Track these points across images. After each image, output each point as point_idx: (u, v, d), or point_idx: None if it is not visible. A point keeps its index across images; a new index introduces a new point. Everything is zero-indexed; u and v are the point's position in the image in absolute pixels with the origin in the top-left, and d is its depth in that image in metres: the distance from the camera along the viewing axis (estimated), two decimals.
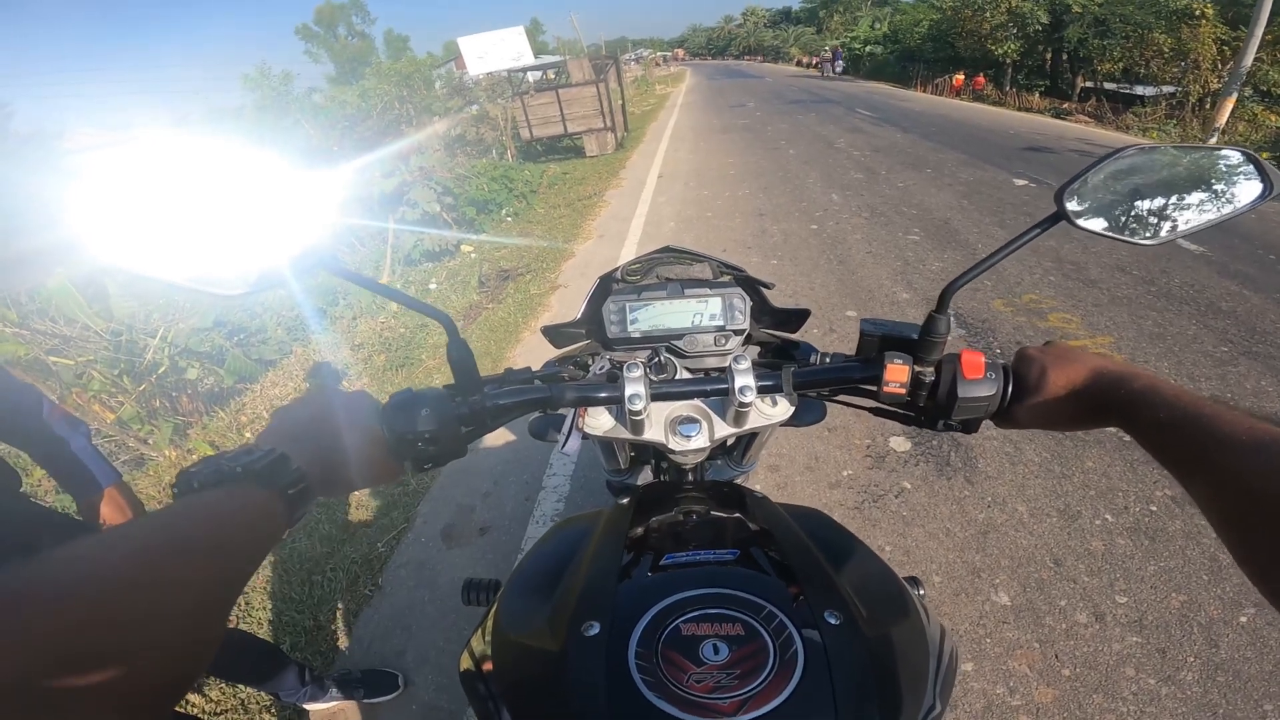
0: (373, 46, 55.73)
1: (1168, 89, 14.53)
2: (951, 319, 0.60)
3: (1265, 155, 4.69)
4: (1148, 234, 0.62)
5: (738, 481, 0.88)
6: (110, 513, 1.10)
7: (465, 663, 0.59)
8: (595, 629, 0.48)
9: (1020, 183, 6.27)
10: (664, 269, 0.87)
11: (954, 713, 1.49)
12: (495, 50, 12.67)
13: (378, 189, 5.92)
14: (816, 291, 3.79)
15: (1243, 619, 1.67)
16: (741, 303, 0.80)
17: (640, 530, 0.66)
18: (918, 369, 0.61)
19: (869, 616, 0.52)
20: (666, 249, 0.87)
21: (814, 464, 2.31)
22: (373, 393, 2.42)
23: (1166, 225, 0.62)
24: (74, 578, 0.27)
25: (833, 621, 0.49)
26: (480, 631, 0.61)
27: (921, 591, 0.74)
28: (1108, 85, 17.48)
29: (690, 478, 0.79)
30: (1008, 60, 18.94)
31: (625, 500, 0.73)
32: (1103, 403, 0.50)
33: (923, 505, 2.11)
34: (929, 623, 0.58)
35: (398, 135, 8.66)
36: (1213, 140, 10.00)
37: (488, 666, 0.55)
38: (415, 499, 2.39)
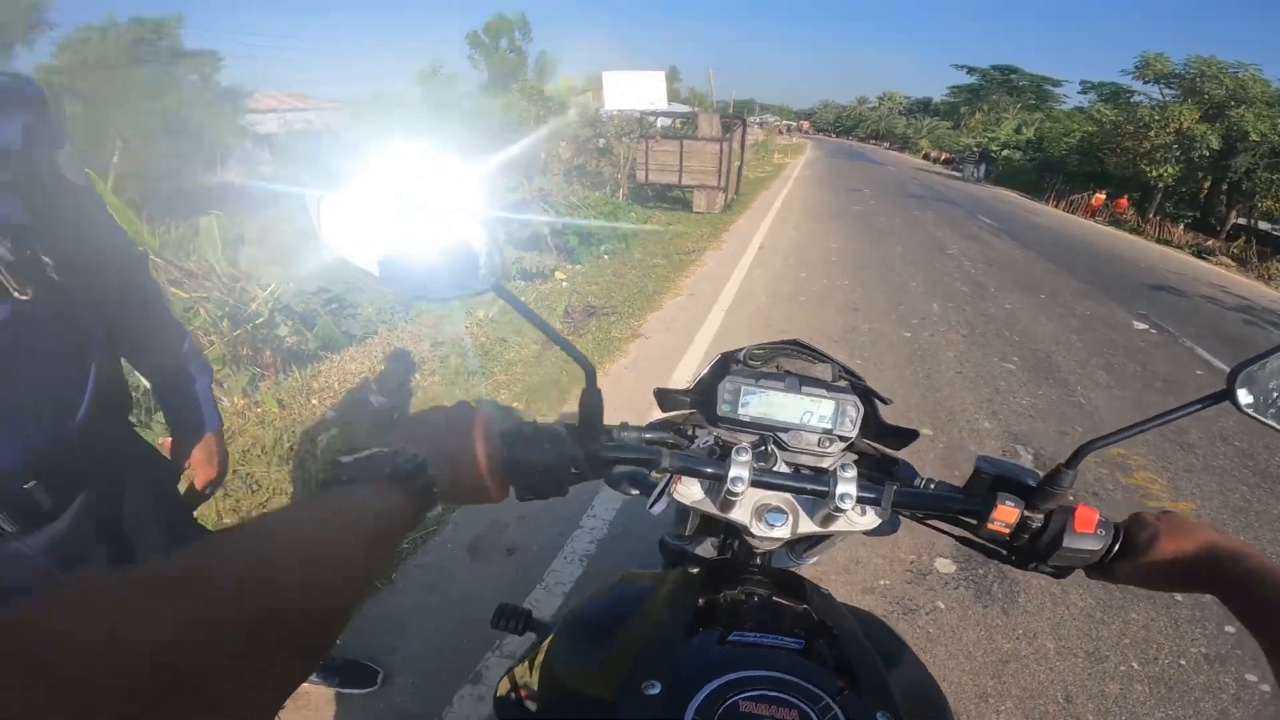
0: (525, 64, 59.58)
1: None
2: (1077, 474, 0.60)
3: None
4: None
5: (798, 572, 0.90)
6: (200, 456, 1.14)
7: (504, 689, 0.63)
8: (655, 689, 0.51)
9: (1140, 326, 5.89)
10: (786, 360, 0.88)
11: None
12: (634, 89, 13.19)
13: (501, 200, 6.29)
14: (897, 403, 3.66)
15: None
16: (854, 411, 0.80)
17: (704, 602, 0.68)
18: (1027, 514, 0.62)
19: None
20: (794, 342, 0.88)
21: (853, 567, 2.28)
22: (442, 393, 2.49)
23: None
24: (258, 549, 0.33)
25: None
26: (527, 664, 0.65)
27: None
28: (1263, 225, 16.22)
29: (757, 560, 0.81)
30: (1160, 185, 17.96)
31: (694, 570, 0.76)
32: (1207, 575, 0.53)
33: (951, 626, 2.08)
34: None
35: (529, 153, 9.16)
36: None
37: (529, 700, 0.59)
38: (450, 507, 2.42)
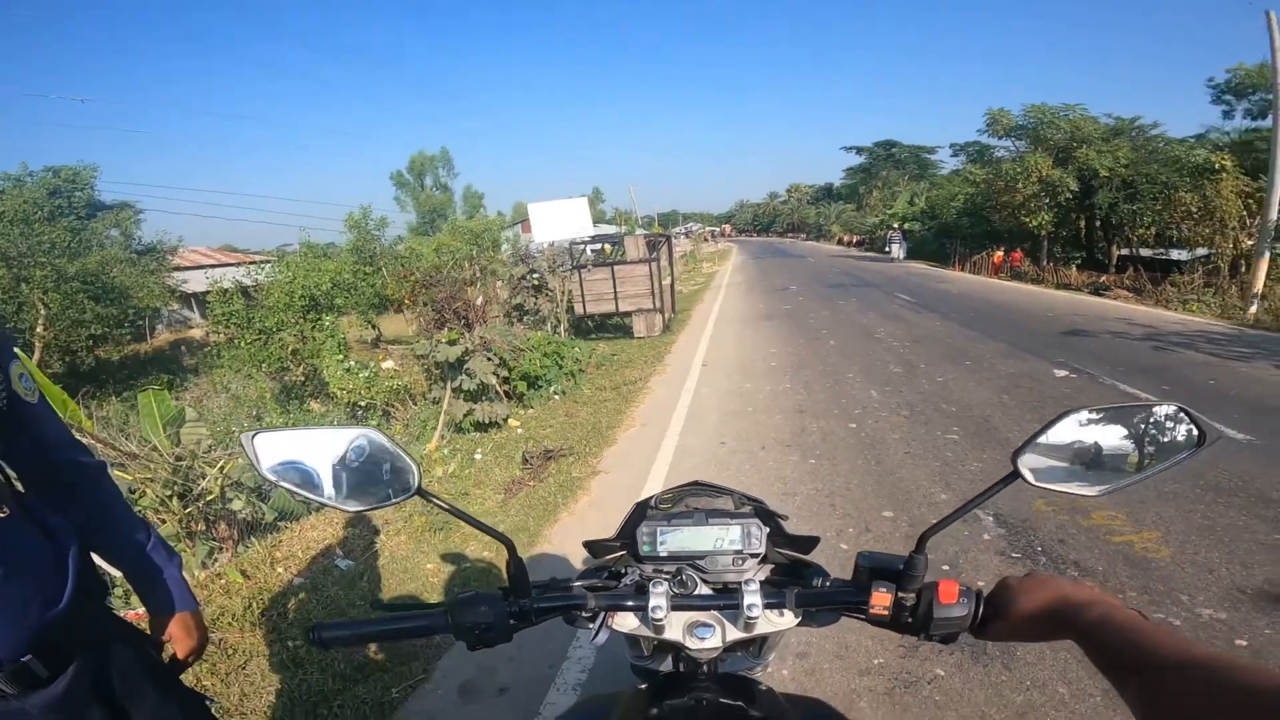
0: (452, 199, 61.93)
1: (1201, 252, 14.37)
2: (927, 558, 0.71)
3: None
4: (1096, 488, 0.71)
5: (755, 671, 0.96)
6: (178, 632, 1.22)
7: None
8: None
9: (1061, 374, 6.31)
10: (693, 499, 0.99)
11: None
12: (560, 218, 13.75)
13: (442, 354, 6.39)
14: (853, 493, 3.79)
15: None
16: (759, 531, 0.90)
17: (655, 711, 0.77)
18: (901, 595, 0.71)
19: None
20: (696, 483, 1.00)
21: (844, 652, 2.30)
22: (410, 552, 2.69)
23: (1113, 478, 0.70)
24: None
25: None
26: None
27: None
28: (1143, 252, 17.46)
29: (705, 669, 0.86)
30: (1043, 232, 19.00)
31: (644, 686, 0.87)
32: (1063, 625, 0.58)
33: (957, 690, 2.08)
34: None
35: (464, 301, 9.43)
36: (1252, 309, 9.87)
37: None
38: (439, 653, 2.44)
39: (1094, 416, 0.72)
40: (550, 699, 2.16)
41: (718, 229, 78.76)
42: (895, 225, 26.90)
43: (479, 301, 9.55)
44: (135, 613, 2.72)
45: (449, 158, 62.03)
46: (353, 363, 10.35)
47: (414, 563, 3.25)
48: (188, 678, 2.23)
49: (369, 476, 0.77)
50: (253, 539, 3.59)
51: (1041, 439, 0.71)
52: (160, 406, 4.35)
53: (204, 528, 3.68)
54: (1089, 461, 0.71)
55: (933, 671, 2.19)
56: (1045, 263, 18.65)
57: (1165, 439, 0.70)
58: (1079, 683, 2.08)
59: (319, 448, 0.76)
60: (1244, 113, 18.75)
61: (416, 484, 0.76)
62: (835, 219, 55.26)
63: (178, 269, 24.03)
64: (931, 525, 0.72)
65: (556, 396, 6.86)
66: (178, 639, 1.23)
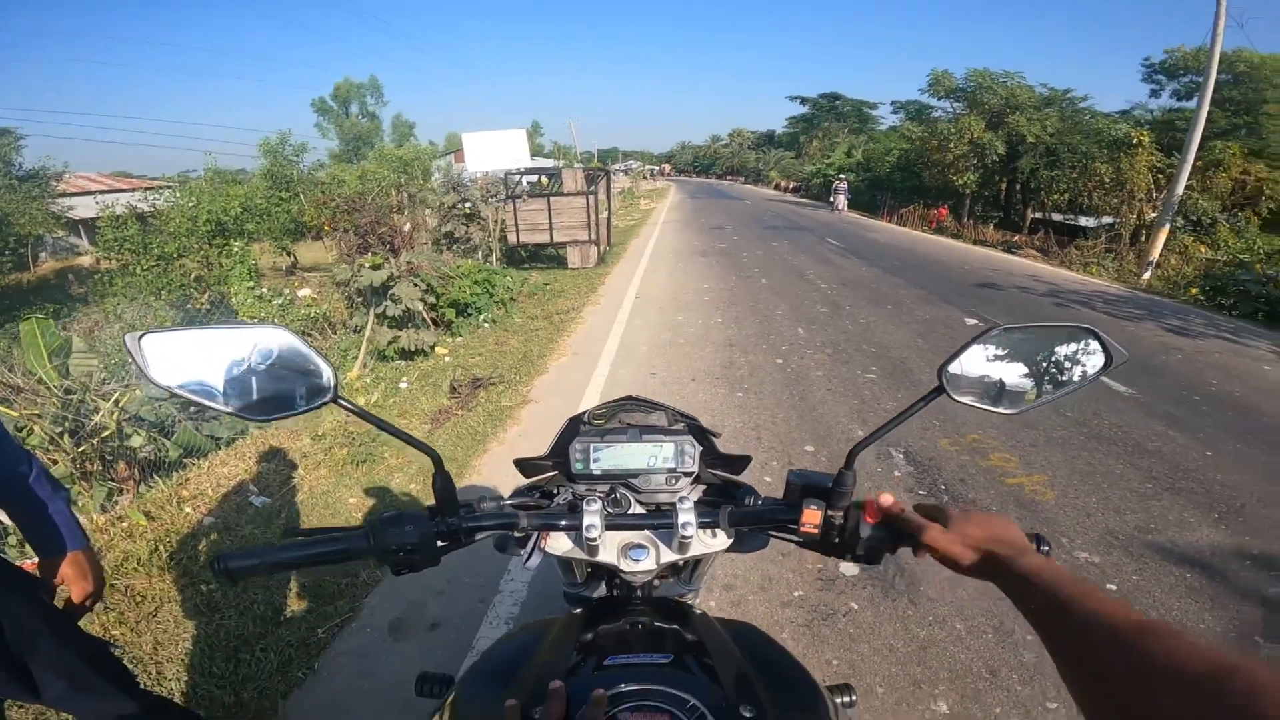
0: (379, 128, 57.97)
1: (1107, 220, 15.27)
2: (856, 474, 0.71)
3: (1194, 290, 5.23)
4: (1014, 405, 0.74)
5: (687, 597, 0.97)
6: (71, 573, 1.14)
7: None
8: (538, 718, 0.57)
9: (971, 322, 6.73)
10: (626, 415, 0.97)
11: None
12: (496, 149, 13.18)
13: (365, 279, 6.07)
14: (779, 426, 3.94)
15: None
16: (692, 449, 0.90)
17: (590, 636, 0.76)
18: (830, 513, 0.72)
19: (782, 713, 0.62)
20: (629, 398, 0.98)
21: (767, 584, 2.41)
22: (331, 486, 2.40)
23: (1029, 396, 0.74)
24: None
25: (747, 715, 0.58)
26: (438, 716, 0.70)
27: (850, 698, 0.87)
28: (1055, 216, 18.55)
29: (639, 594, 0.87)
30: (967, 191, 19.92)
31: (578, 610, 0.84)
32: (988, 569, 0.59)
33: (869, 624, 2.22)
34: (838, 718, 0.68)
35: (390, 226, 8.94)
36: (1146, 275, 10.69)
37: None
38: (365, 590, 2.38)
39: (1012, 335, 0.74)
40: (483, 633, 2.14)
41: (657, 168, 77.63)
42: (842, 175, 25.14)
43: (406, 228, 9.08)
44: (30, 562, 2.51)
45: (378, 86, 57.48)
46: (265, 290, 9.72)
47: (335, 496, 3.10)
48: (93, 627, 2.12)
49: (278, 382, 0.67)
50: (156, 478, 3.32)
51: (964, 355, 0.73)
52: (44, 336, 3.95)
53: (100, 468, 3.39)
54: (1007, 379, 0.74)
55: (847, 605, 2.32)
56: (966, 220, 19.58)
57: (1077, 360, 0.74)
58: (974, 619, 2.24)
59: (219, 350, 0.65)
60: (1171, 93, 19.80)
61: (333, 389, 0.67)
62: (774, 165, 55.51)
63: (64, 195, 21.57)
64: (860, 440, 0.72)
65: (486, 325, 6.70)
66: (71, 581, 1.15)
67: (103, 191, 20.41)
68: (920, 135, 21.86)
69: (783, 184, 45.13)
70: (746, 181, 60.41)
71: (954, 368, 0.72)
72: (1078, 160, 16.76)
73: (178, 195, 15.65)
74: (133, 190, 18.90)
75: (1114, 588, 2.44)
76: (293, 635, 2.13)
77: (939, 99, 21.84)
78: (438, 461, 0.71)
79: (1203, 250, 11.83)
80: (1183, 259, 11.46)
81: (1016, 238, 16.47)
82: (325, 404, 0.67)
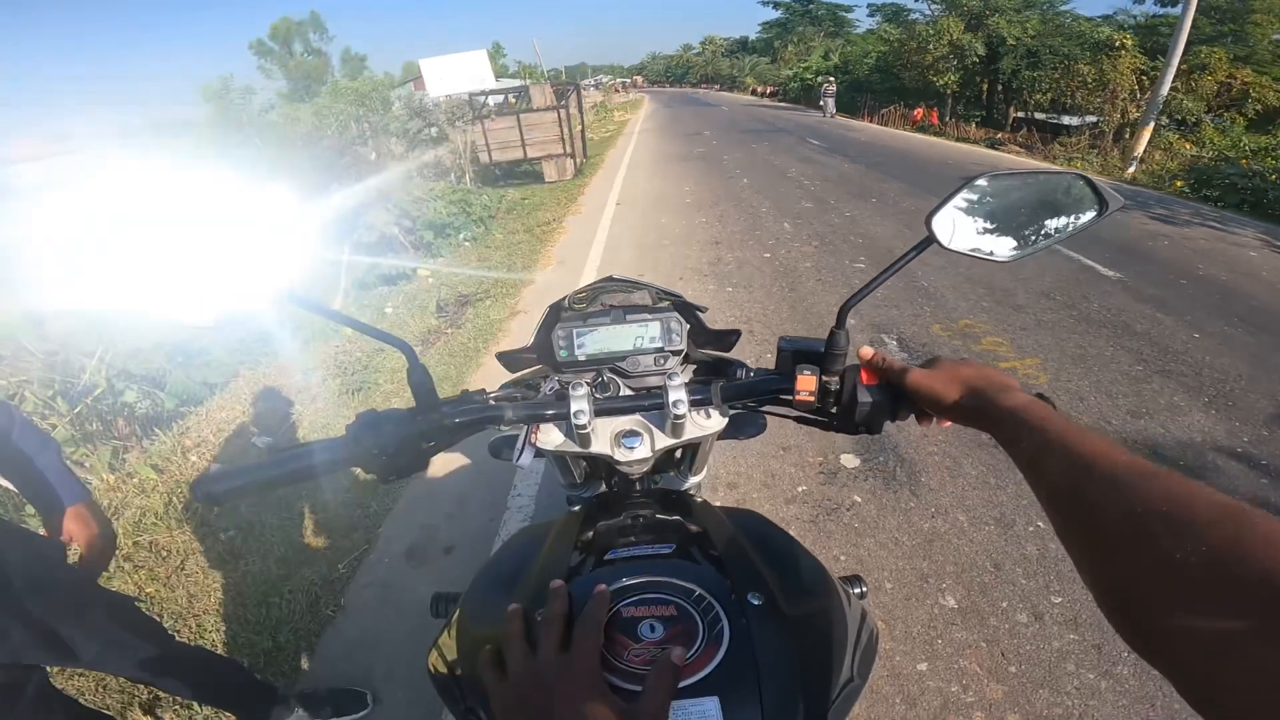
0: (329, 64, 54.81)
1: (1091, 119, 15.35)
2: (849, 333, 0.67)
3: (1179, 183, 5.17)
4: (1006, 252, 0.71)
5: (689, 490, 0.96)
6: (76, 529, 1.10)
7: (434, 660, 0.65)
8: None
9: None
10: (608, 296, 0.93)
11: (913, 709, 1.61)
12: (457, 73, 12.65)
13: (333, 209, 5.88)
14: (769, 317, 3.94)
15: None
16: (679, 326, 0.87)
17: (590, 533, 0.73)
18: (825, 379, 0.68)
19: (791, 599, 0.59)
20: (609, 278, 0.94)
21: (770, 481, 2.43)
22: (329, 419, 2.37)
23: (1023, 244, 0.71)
24: None
25: (755, 602, 0.56)
26: (447, 631, 0.68)
27: (861, 589, 0.82)
28: (1038, 115, 18.56)
29: (638, 487, 0.86)
30: (948, 91, 19.92)
31: (577, 508, 0.82)
32: (978, 409, 0.54)
33: (873, 517, 2.25)
34: (850, 606, 0.66)
35: (355, 156, 8.57)
36: (1131, 169, 10.64)
37: (455, 661, 0.62)
38: (377, 521, 2.39)
39: (1003, 183, 0.70)
40: (496, 550, 2.16)
41: (629, 80, 74.54)
42: (830, 79, 23.62)
43: (372, 157, 8.71)
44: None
45: (320, 22, 53.61)
46: None
47: (336, 427, 3.05)
48: (126, 586, 2.11)
49: (229, 282, 0.58)
50: (157, 431, 3.24)
51: (952, 202, 0.68)
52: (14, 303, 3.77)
53: (101, 427, 3.32)
54: (998, 226, 0.70)
55: (851, 498, 2.34)
56: (948, 119, 19.34)
57: (1069, 207, 0.70)
58: (975, 510, 2.25)
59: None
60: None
61: (288, 289, 0.59)
62: (750, 71, 53.94)
63: (3, 164, 20.27)
64: (850, 296, 0.67)
65: (467, 244, 6.54)
66: (77, 536, 1.09)
67: (45, 157, 19.26)
68: (898, 37, 21.63)
69: (759, 89, 44.22)
70: (722, 89, 58.59)
71: (942, 216, 0.68)
72: (1059, 62, 16.73)
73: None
74: (71, 153, 17.84)
75: None
76: (316, 574, 2.14)
77: (916, 1, 21.33)
78: (410, 354, 0.65)
79: (1188, 147, 11.76)
80: (1167, 155, 11.39)
81: (999, 135, 16.26)
82: (280, 300, 0.60)
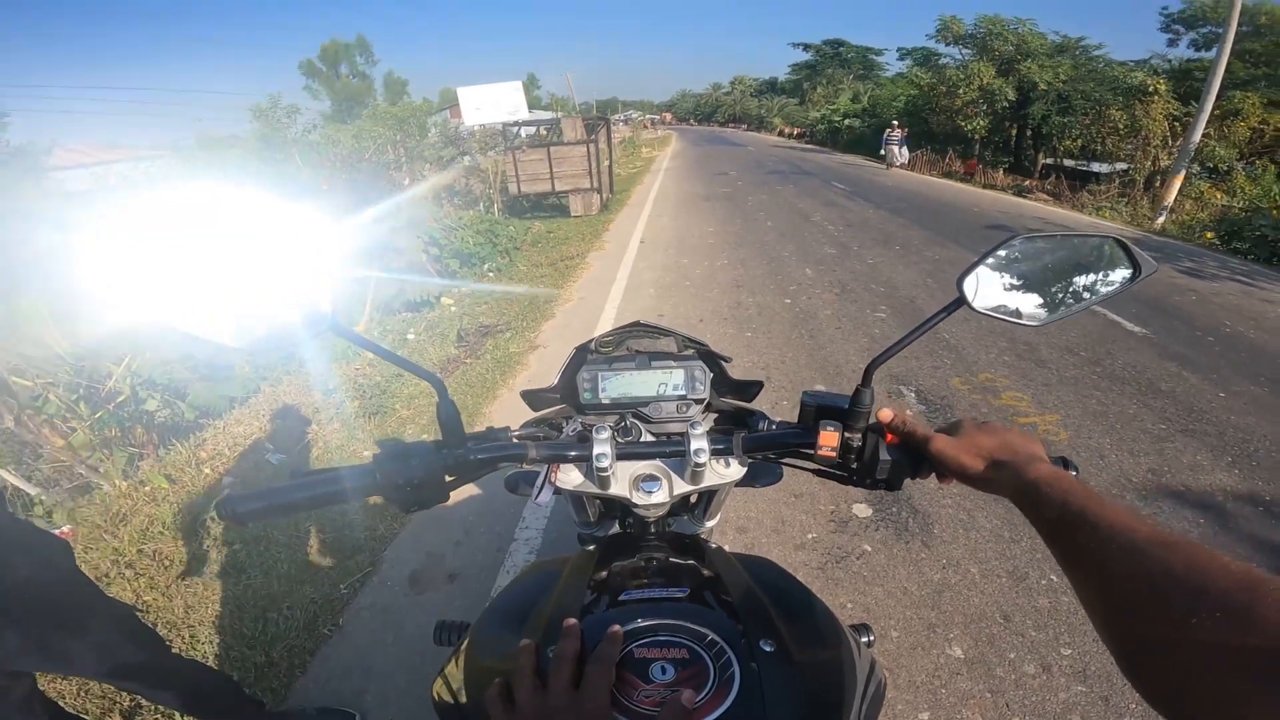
0: (372, 88, 56.78)
1: (1121, 166, 15.16)
2: (874, 391, 0.67)
3: (1209, 234, 4.99)
4: (1037, 316, 0.70)
5: (701, 534, 0.96)
6: None
7: (439, 689, 0.66)
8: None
9: None
10: (634, 342, 0.94)
11: None
12: (492, 103, 12.91)
13: (370, 232, 6.02)
14: (788, 365, 3.93)
15: None
16: (702, 374, 0.88)
17: (604, 573, 0.74)
18: (847, 435, 0.68)
19: (801, 646, 0.59)
20: (636, 324, 0.94)
21: (780, 527, 2.42)
22: (345, 440, 2.52)
23: (1053, 307, 0.70)
24: None
25: (766, 649, 0.57)
26: (454, 660, 0.68)
27: (869, 638, 0.83)
28: (1067, 162, 18.38)
29: (653, 530, 0.86)
30: (976, 137, 19.81)
31: (592, 547, 0.82)
32: (1002, 480, 0.55)
33: (882, 566, 2.23)
34: (860, 656, 0.66)
35: (389, 180, 8.80)
36: (1161, 219, 10.49)
37: (460, 690, 0.63)
38: (383, 544, 2.41)
39: (1037, 244, 0.70)
40: (500, 582, 2.15)
41: (658, 116, 75.86)
42: (895, 122, 19.36)
43: (405, 183, 8.94)
44: (64, 530, 2.52)
45: (367, 45, 55.96)
46: None
47: (350, 450, 3.13)
48: (125, 594, 2.16)
49: (275, 316, 0.61)
50: (174, 441, 3.31)
51: (984, 265, 0.68)
52: (49, 306, 3.93)
53: (119, 434, 3.41)
54: (1030, 288, 0.70)
55: (861, 547, 2.32)
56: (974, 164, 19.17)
57: (1102, 271, 0.70)
58: (988, 563, 2.23)
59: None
60: (1189, 43, 19.46)
61: (331, 317, 0.62)
62: (777, 112, 54.48)
63: (56, 169, 21.23)
64: (878, 355, 0.68)
65: (491, 274, 6.65)
66: None
67: (94, 164, 20.13)
68: (928, 81, 21.52)
69: (787, 130, 44.42)
70: (749, 129, 59.14)
71: (973, 278, 0.68)
72: (1091, 107, 16.51)
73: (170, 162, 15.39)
74: (121, 160, 18.63)
75: None
76: (316, 592, 2.16)
77: (947, 45, 21.59)
78: (441, 390, 0.66)
79: (1219, 196, 11.53)
80: (1198, 205, 11.18)
81: (1027, 182, 16.12)
82: (324, 332, 0.62)
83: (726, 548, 2.35)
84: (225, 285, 0.58)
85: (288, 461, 3.07)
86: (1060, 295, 0.71)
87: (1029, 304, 0.70)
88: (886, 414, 0.67)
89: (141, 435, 3.42)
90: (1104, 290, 0.70)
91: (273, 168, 17.48)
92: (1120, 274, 0.69)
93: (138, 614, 1.30)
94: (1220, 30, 10.77)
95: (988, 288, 0.69)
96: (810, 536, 2.37)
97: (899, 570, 2.21)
